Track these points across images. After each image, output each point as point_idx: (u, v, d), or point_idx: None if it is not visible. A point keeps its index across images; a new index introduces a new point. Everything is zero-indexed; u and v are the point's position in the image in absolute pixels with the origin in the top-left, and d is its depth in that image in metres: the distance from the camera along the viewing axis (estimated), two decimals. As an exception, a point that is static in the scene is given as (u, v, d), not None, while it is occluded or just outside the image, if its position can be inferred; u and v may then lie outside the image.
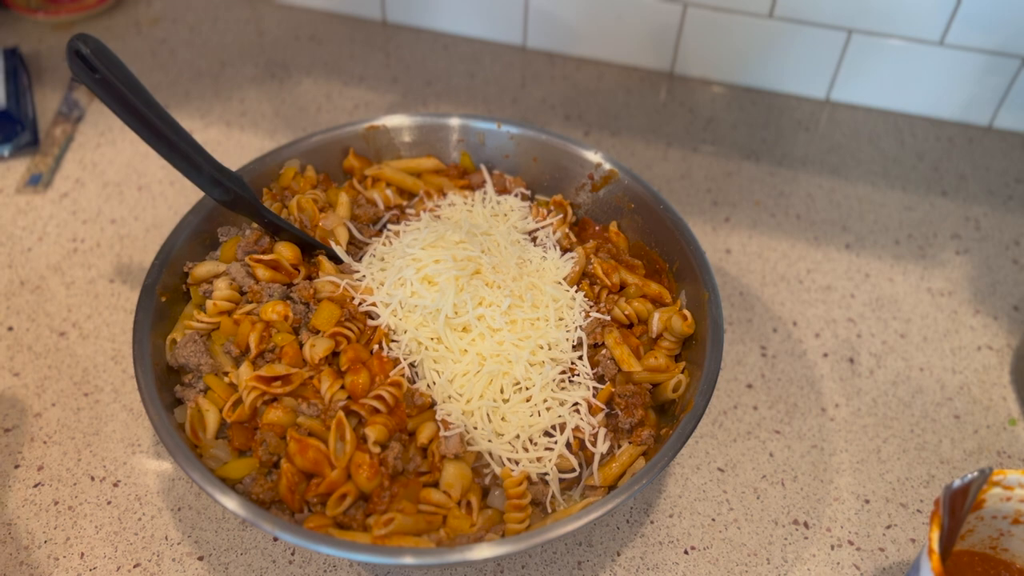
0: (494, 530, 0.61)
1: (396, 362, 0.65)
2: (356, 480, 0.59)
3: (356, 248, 0.74)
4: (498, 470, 0.62)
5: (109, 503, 0.67)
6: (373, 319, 0.67)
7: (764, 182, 0.94)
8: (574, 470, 0.63)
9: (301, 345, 0.66)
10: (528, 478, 0.62)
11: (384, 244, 0.73)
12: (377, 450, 0.60)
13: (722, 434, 0.73)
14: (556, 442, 0.63)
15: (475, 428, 0.63)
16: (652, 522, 0.68)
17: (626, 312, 0.69)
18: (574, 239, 0.75)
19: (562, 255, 0.73)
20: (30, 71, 1.01)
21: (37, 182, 0.91)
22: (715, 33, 1.00)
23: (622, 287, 0.72)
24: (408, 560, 0.54)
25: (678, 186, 0.93)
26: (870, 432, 0.74)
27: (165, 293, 0.68)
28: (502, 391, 0.64)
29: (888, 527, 0.68)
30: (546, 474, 0.62)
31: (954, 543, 0.60)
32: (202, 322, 0.67)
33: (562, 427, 0.63)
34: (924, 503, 0.70)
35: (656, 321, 0.69)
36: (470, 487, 0.61)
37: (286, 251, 0.70)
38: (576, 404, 0.64)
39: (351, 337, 0.65)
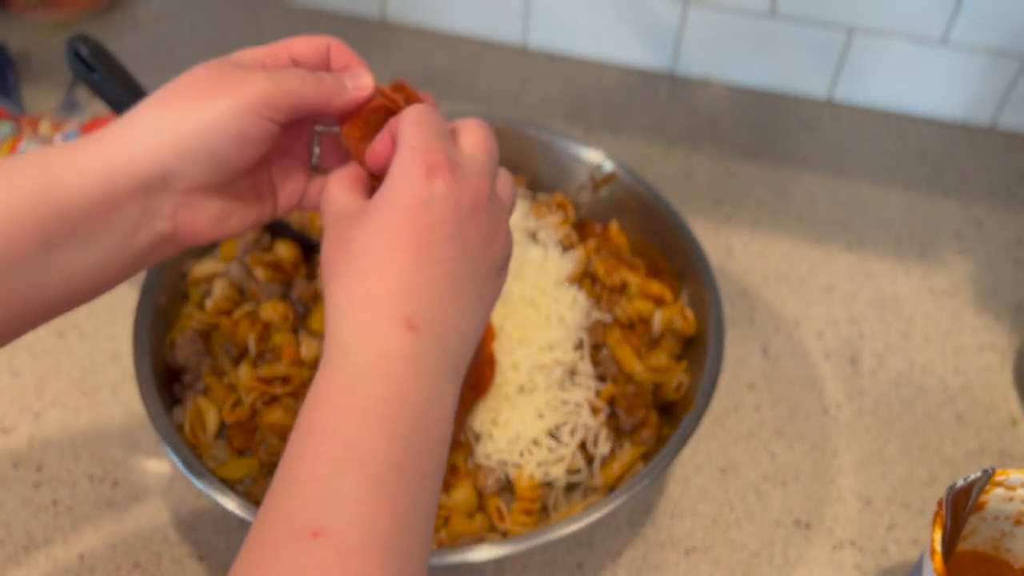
0: (495, 531, 0.61)
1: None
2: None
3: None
4: (502, 475, 0.62)
5: (108, 503, 0.67)
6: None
7: (766, 182, 0.94)
8: (579, 471, 0.63)
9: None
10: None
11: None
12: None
13: (723, 434, 0.73)
14: (564, 444, 0.63)
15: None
16: (653, 523, 0.67)
17: (628, 312, 0.69)
18: (575, 238, 0.74)
19: (563, 254, 0.73)
20: (18, 67, 1.01)
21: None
22: (716, 32, 1.00)
23: (623, 286, 0.72)
24: (408, 561, 0.54)
25: (679, 185, 0.93)
26: (872, 433, 0.74)
27: (164, 293, 0.68)
28: (505, 393, 0.64)
29: (890, 528, 0.68)
30: (552, 477, 0.62)
31: (956, 544, 0.60)
32: (201, 322, 0.67)
33: (570, 429, 0.63)
34: (926, 503, 0.69)
35: (658, 320, 0.69)
36: (476, 506, 0.61)
37: (286, 251, 0.70)
38: (578, 404, 0.64)
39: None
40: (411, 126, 0.44)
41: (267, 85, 0.44)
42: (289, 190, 0.51)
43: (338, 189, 0.46)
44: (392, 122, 0.46)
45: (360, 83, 0.48)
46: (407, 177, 0.42)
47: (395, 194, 0.42)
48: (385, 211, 0.41)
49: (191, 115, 0.43)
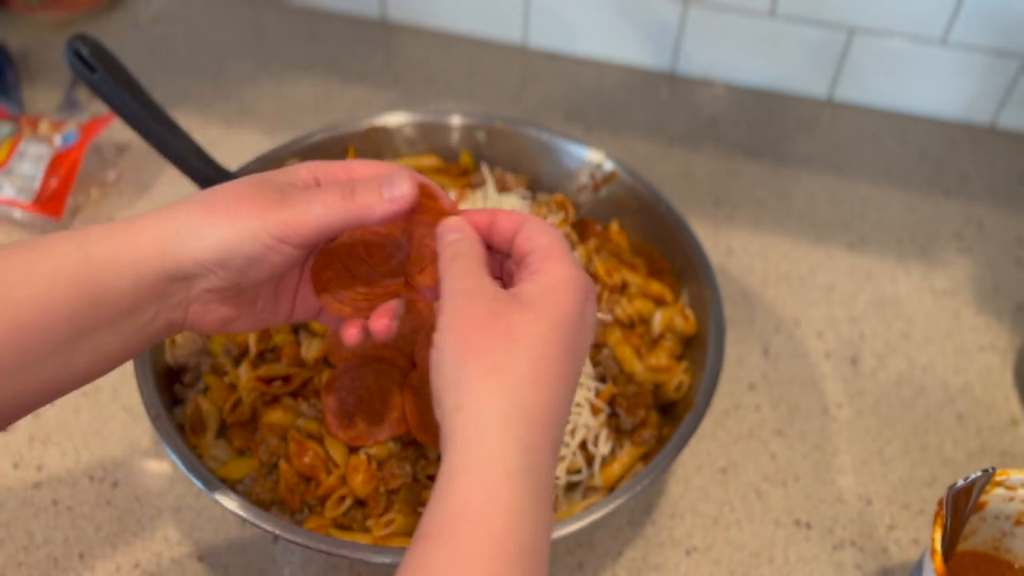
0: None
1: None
2: (351, 485, 0.59)
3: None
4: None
5: (108, 503, 0.67)
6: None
7: (766, 181, 0.94)
8: (580, 471, 0.63)
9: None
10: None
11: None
12: (374, 451, 0.60)
13: (724, 435, 0.73)
14: (565, 444, 0.63)
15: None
16: (653, 523, 0.67)
17: (628, 312, 0.69)
18: (575, 238, 0.74)
19: (563, 255, 0.72)
20: (18, 67, 1.01)
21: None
22: (716, 32, 1.00)
23: (624, 286, 0.72)
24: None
25: (679, 185, 0.93)
26: (872, 433, 0.74)
27: (164, 292, 0.68)
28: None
29: (890, 528, 0.68)
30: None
31: (957, 544, 0.60)
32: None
33: (570, 429, 0.63)
34: (927, 504, 0.69)
35: (658, 320, 0.69)
36: None
37: (286, 250, 0.70)
38: (578, 404, 0.64)
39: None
40: (562, 244, 0.46)
41: (289, 212, 0.45)
42: (309, 304, 0.52)
43: (479, 271, 0.45)
44: (530, 225, 0.47)
45: (396, 194, 0.47)
46: (574, 292, 0.44)
47: (564, 305, 0.44)
48: (556, 315, 0.43)
49: (213, 230, 0.44)
